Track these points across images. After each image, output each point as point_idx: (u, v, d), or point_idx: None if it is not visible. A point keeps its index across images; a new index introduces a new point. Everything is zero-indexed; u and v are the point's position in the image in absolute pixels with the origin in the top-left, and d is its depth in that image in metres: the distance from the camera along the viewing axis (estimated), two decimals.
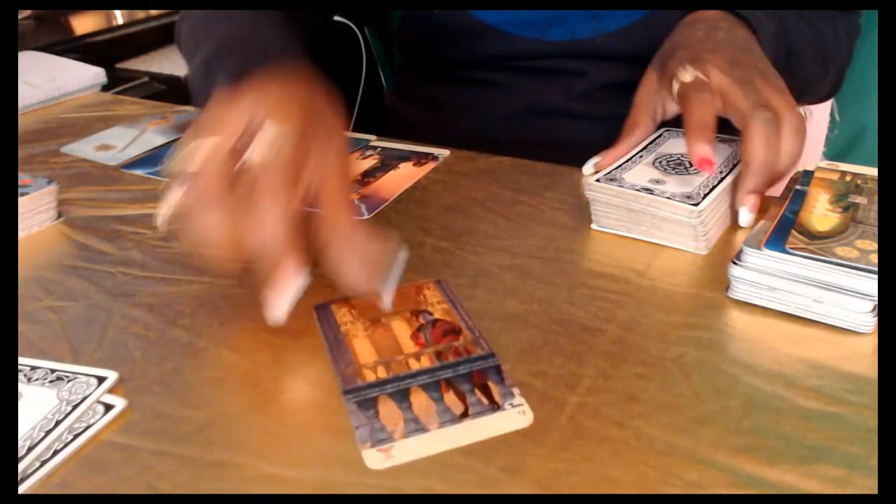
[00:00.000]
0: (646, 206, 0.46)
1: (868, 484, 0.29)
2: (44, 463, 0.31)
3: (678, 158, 0.50)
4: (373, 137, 0.65)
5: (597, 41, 0.66)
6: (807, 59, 0.60)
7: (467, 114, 0.72)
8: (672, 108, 0.54)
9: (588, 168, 0.55)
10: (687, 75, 0.49)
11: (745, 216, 0.47)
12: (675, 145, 0.53)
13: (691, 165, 0.48)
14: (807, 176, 0.47)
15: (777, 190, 0.47)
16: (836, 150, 0.85)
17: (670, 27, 0.57)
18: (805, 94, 0.66)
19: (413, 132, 0.67)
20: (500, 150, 0.61)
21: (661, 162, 0.50)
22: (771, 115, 0.45)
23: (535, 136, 0.68)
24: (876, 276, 0.36)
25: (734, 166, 0.48)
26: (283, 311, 0.36)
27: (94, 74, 0.82)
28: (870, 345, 0.37)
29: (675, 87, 0.51)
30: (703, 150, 0.46)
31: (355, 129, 0.68)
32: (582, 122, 0.68)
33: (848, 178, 0.46)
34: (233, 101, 0.38)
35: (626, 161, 0.50)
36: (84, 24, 1.27)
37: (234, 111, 0.37)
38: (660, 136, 0.55)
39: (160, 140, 0.66)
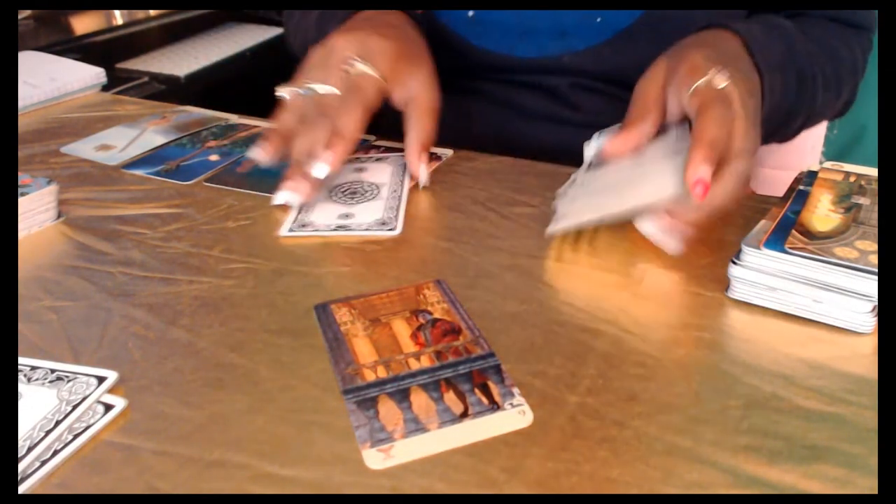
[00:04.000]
0: None
1: (868, 484, 0.29)
2: (44, 463, 0.31)
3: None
4: (373, 137, 0.65)
5: (563, 59, 0.65)
6: (818, 83, 0.58)
7: (460, 119, 0.71)
8: (673, 108, 0.49)
9: (590, 150, 0.51)
10: (722, 80, 0.45)
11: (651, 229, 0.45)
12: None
13: None
14: (810, 176, 0.47)
15: (779, 190, 0.47)
16: (836, 149, 0.86)
17: (638, 50, 0.55)
18: (815, 119, 0.64)
19: None
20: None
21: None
22: (742, 165, 0.43)
23: (524, 142, 0.68)
24: (875, 277, 0.36)
25: None
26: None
27: (94, 74, 0.82)
28: (870, 345, 0.37)
29: (697, 85, 0.45)
30: (704, 171, 0.41)
31: None
32: (569, 127, 0.67)
33: (852, 179, 0.46)
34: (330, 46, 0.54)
35: None
36: (84, 24, 1.27)
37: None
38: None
39: (160, 140, 0.66)
